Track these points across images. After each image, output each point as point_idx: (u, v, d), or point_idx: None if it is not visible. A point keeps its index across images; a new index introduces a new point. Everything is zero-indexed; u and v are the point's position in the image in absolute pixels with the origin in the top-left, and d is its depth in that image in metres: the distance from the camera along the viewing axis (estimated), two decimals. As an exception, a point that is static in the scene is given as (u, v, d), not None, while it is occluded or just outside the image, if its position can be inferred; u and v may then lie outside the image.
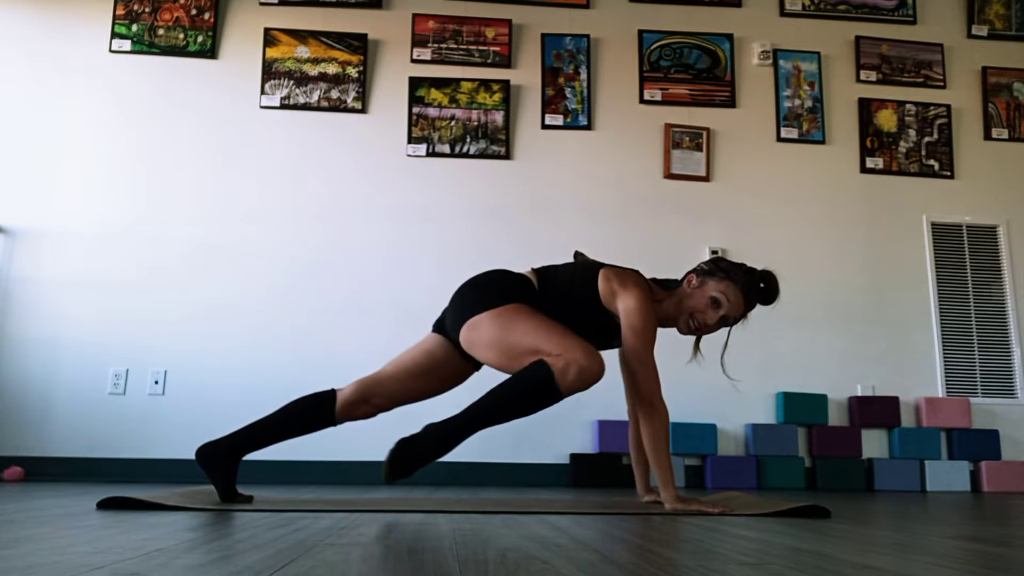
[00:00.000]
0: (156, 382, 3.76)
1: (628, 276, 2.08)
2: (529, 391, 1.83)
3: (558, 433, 3.84)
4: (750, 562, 1.01)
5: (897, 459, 3.88)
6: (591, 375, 1.85)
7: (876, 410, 3.94)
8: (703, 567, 0.96)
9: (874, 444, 3.97)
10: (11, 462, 3.54)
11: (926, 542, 1.29)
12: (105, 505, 1.78)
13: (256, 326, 3.85)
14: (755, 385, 4.00)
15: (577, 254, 2.29)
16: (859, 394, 4.02)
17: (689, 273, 2.16)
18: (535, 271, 2.15)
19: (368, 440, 3.73)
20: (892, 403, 3.95)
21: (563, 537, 1.29)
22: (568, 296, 2.08)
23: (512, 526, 1.48)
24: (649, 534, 1.37)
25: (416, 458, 1.78)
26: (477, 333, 1.97)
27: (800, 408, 3.90)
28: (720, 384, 3.77)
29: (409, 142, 4.11)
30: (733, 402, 3.93)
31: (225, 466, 1.96)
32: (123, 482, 3.36)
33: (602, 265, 2.12)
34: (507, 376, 1.93)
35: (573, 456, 3.73)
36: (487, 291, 2.03)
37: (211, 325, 3.83)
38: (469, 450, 3.78)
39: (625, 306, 2.02)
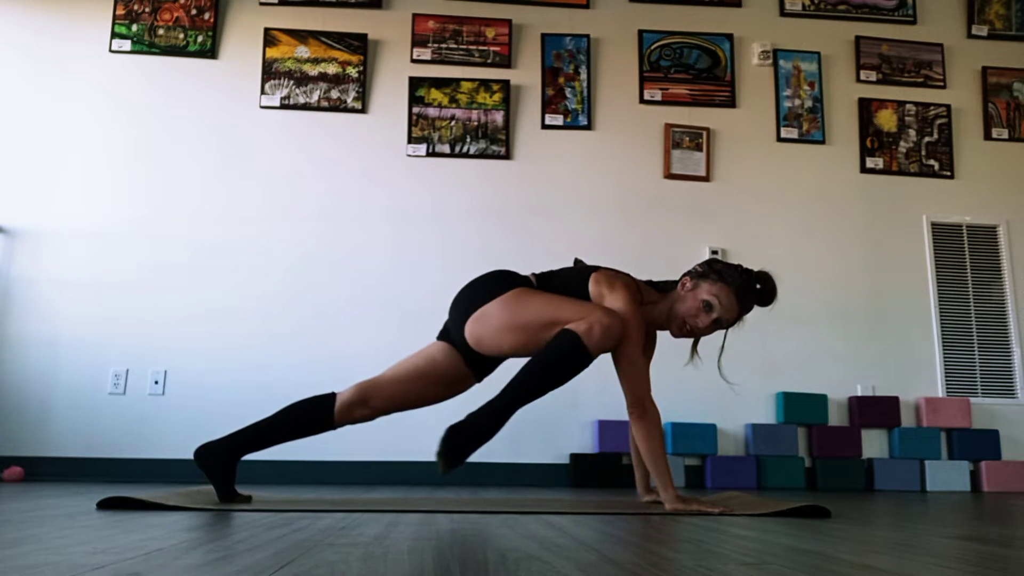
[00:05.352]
0: (156, 382, 3.76)
1: (617, 278, 2.08)
2: (560, 358, 1.87)
3: (558, 433, 3.84)
4: (750, 562, 1.01)
5: (897, 459, 3.88)
6: (615, 330, 1.90)
7: (876, 410, 3.94)
8: (703, 567, 0.96)
9: (874, 444, 3.97)
10: (11, 462, 3.54)
11: (926, 542, 1.29)
12: (105, 505, 1.78)
13: (256, 326, 3.85)
14: (755, 385, 4.00)
15: (577, 261, 2.30)
16: (859, 394, 4.02)
17: (684, 275, 2.16)
18: (535, 275, 2.17)
19: (368, 440, 3.73)
20: (892, 403, 3.95)
21: (563, 537, 1.29)
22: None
23: (512, 526, 1.48)
24: (649, 534, 1.37)
25: (466, 445, 1.80)
26: (486, 323, 1.99)
27: (800, 408, 3.90)
28: (720, 384, 3.77)
29: (409, 142, 4.11)
30: (733, 402, 3.93)
31: (223, 466, 1.96)
32: (123, 482, 3.36)
33: (595, 268, 2.13)
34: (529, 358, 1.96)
35: (573, 456, 3.73)
36: (488, 285, 2.05)
37: (211, 325, 3.83)
38: (469, 450, 3.78)
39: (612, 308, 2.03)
